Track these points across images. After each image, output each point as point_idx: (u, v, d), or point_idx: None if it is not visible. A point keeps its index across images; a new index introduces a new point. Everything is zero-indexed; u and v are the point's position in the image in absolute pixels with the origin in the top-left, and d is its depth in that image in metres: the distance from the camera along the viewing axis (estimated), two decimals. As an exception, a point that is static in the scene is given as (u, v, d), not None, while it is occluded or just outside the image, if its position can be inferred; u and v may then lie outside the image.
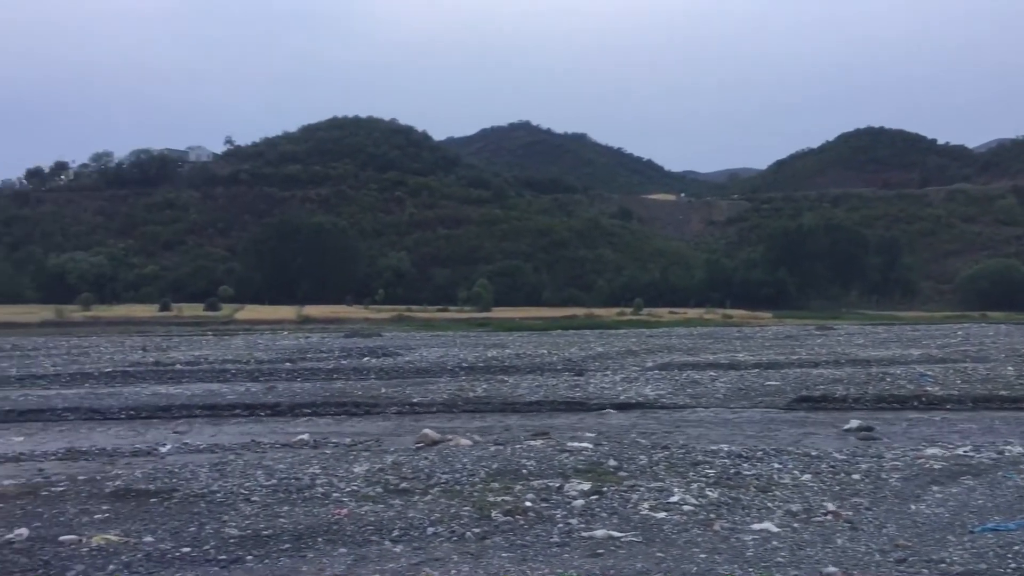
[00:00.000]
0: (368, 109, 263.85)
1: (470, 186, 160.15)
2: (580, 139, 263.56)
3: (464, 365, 30.17)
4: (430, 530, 9.14)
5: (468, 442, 14.55)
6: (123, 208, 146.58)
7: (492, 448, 13.82)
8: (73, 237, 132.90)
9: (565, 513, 9.78)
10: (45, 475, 12.17)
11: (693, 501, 10.27)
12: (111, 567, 7.96)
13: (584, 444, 14.10)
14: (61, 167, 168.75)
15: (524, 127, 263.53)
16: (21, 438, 16.37)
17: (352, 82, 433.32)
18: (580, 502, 10.21)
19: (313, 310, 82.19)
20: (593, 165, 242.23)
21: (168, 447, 14.86)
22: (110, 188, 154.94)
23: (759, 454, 13.23)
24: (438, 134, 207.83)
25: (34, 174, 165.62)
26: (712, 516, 9.69)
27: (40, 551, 8.34)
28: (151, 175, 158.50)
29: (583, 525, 9.34)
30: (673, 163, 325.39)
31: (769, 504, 10.22)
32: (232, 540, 8.77)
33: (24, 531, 8.87)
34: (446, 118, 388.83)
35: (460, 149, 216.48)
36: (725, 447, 13.94)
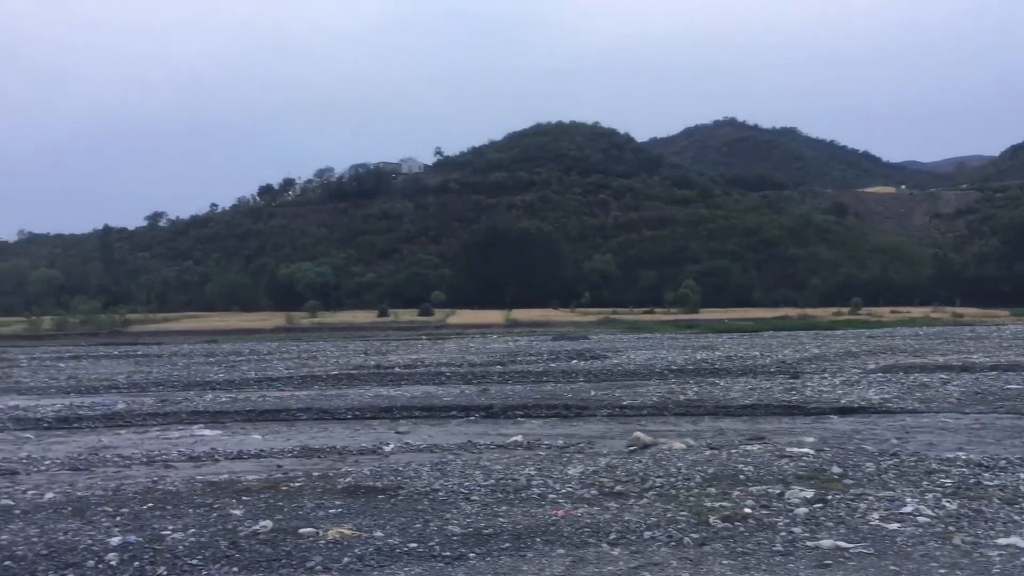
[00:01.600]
0: (571, 114, 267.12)
1: (675, 186, 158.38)
2: (789, 133, 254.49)
3: (673, 367, 29.79)
4: (647, 534, 9.05)
5: (681, 445, 14.32)
6: (344, 220, 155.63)
7: (707, 452, 13.54)
8: (300, 248, 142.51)
9: (787, 521, 9.41)
10: (284, 471, 13.04)
11: (929, 512, 9.60)
12: (346, 559, 8.41)
13: (804, 449, 13.54)
14: (289, 184, 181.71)
15: (729, 124, 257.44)
16: (260, 436, 17.58)
17: (555, 88, 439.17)
18: (803, 510, 9.79)
19: (520, 314, 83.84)
20: (804, 160, 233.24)
21: (391, 446, 15.54)
22: (332, 201, 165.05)
23: (1002, 463, 12.21)
24: (641, 135, 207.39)
25: (265, 191, 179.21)
26: (951, 528, 9.02)
27: (283, 542, 8.93)
28: (368, 188, 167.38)
29: (807, 534, 8.95)
30: (892, 153, 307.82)
31: (1016, 517, 9.39)
32: (455, 537, 9.05)
33: (268, 523, 9.53)
34: (649, 119, 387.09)
35: (663, 149, 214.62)
36: (962, 455, 12.97)
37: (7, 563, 8.46)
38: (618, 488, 11.12)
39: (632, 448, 14.32)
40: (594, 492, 10.96)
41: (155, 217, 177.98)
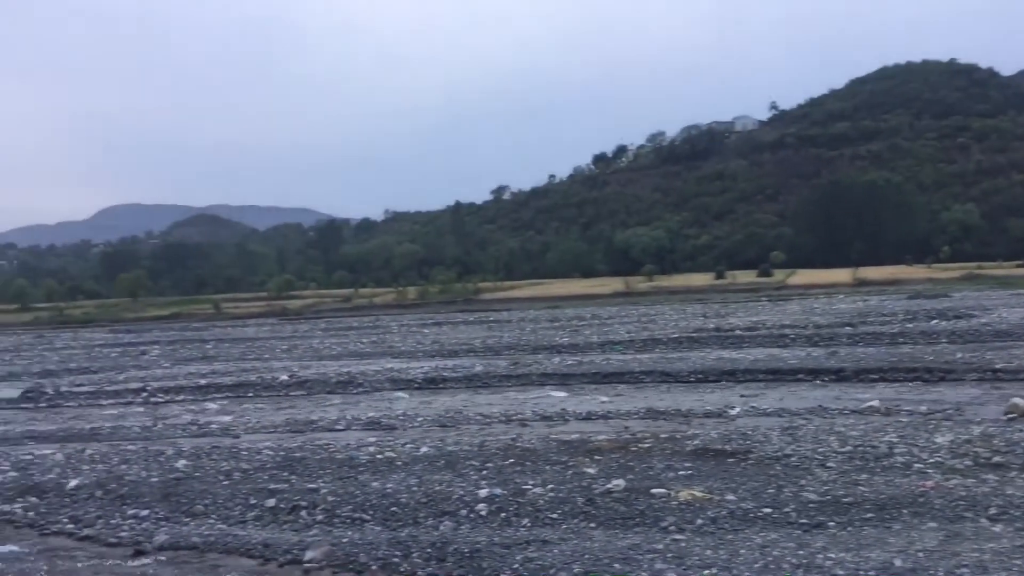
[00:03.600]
0: (921, 53, 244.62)
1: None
2: None
3: (1058, 326, 26.44)
4: (1035, 511, 8.12)
5: (1073, 414, 12.67)
6: (676, 183, 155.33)
7: (1107, 423, 11.88)
8: (635, 214, 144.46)
9: None
10: (631, 432, 13.28)
11: None
12: (699, 521, 8.41)
13: None
14: (622, 150, 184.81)
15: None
16: (606, 398, 18.05)
17: (902, 26, 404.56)
18: None
19: (869, 272, 78.83)
20: None
21: (737, 410, 15.29)
22: (664, 165, 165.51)
23: None
24: (1008, 68, 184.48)
25: (599, 159, 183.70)
26: None
27: (635, 501, 9.12)
28: (700, 149, 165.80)
29: None
30: None
31: None
32: (812, 505, 8.70)
33: (620, 482, 9.77)
34: (1019, 50, 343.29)
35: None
36: None
37: (393, 508, 9.44)
38: (996, 459, 10.09)
39: (1011, 416, 12.92)
40: (968, 463, 10.03)
41: (499, 191, 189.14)
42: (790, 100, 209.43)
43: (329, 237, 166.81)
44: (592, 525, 8.59)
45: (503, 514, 9.02)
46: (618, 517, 8.71)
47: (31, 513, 10.43)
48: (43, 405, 21.48)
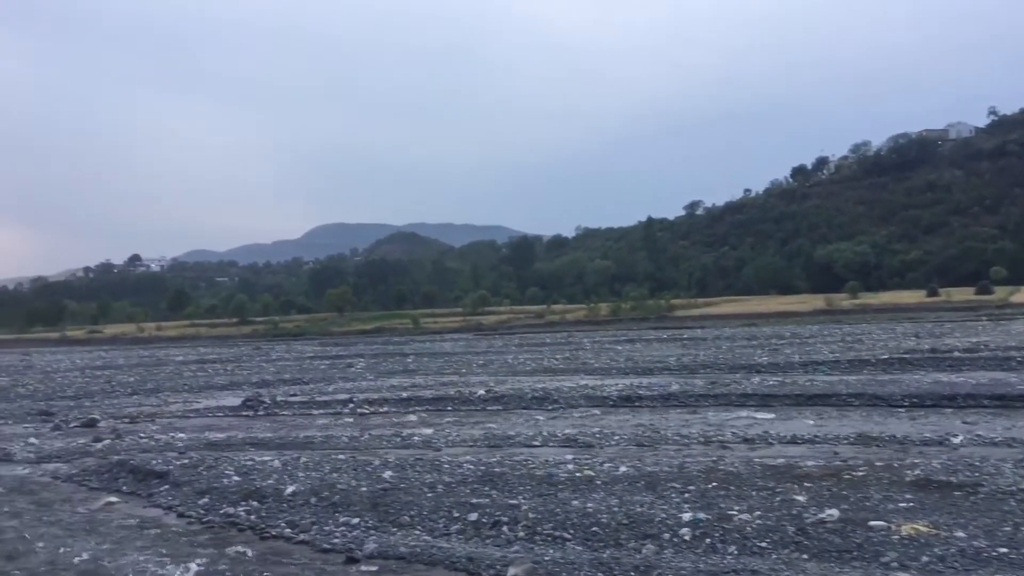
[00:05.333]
0: None
1: None
2: None
3: None
4: None
5: None
6: (883, 195, 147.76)
7: None
8: (836, 228, 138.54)
9: None
10: (842, 458, 12.56)
11: None
12: (924, 558, 7.80)
13: None
14: (823, 162, 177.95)
15: None
16: (811, 421, 17.21)
17: None
18: None
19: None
20: None
21: (960, 438, 14.17)
22: (869, 177, 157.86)
23: None
24: None
25: (798, 172, 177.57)
26: None
27: (852, 533, 8.58)
28: (909, 159, 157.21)
29: None
30: None
31: None
32: (1056, 547, 7.89)
33: (835, 512, 9.22)
34: None
35: None
36: None
37: (594, 528, 9.33)
38: None
39: None
40: None
41: (692, 206, 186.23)
42: (1011, 105, 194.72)
43: (522, 254, 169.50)
44: (804, 556, 8.14)
45: (708, 540, 8.72)
46: (833, 549, 8.22)
47: (252, 516, 11.08)
48: (261, 413, 22.87)
